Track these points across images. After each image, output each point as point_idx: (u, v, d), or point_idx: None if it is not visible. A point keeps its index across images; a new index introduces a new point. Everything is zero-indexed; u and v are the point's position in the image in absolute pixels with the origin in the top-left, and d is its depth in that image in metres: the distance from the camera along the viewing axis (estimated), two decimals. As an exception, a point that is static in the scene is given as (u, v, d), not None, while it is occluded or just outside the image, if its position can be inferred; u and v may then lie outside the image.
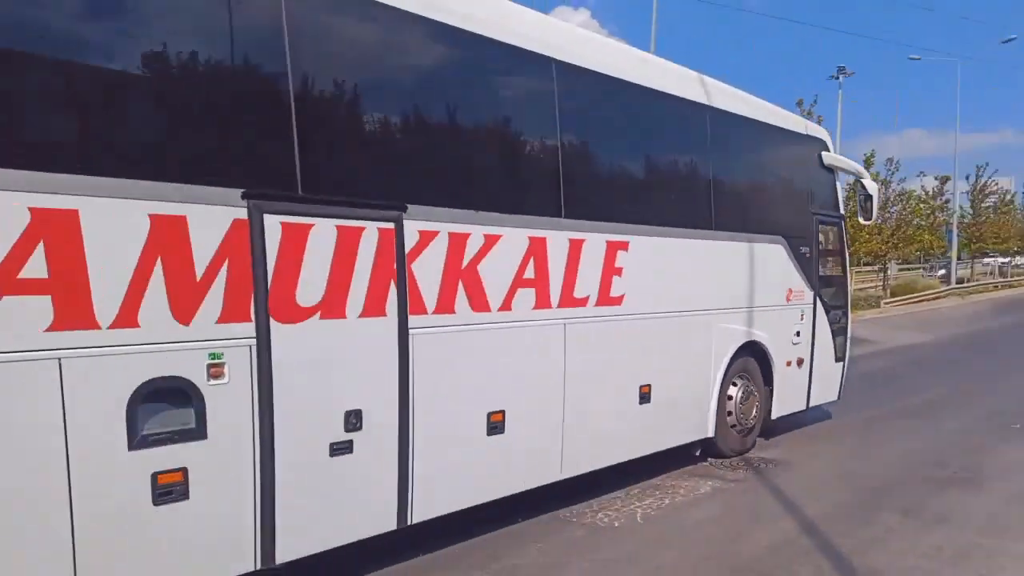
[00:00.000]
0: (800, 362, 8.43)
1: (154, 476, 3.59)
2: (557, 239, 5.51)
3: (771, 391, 8.05)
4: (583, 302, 5.75)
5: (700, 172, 7.02)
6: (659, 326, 6.46)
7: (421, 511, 4.76)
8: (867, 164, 31.49)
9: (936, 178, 38.49)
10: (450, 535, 5.40)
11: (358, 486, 4.44)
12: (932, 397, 11.09)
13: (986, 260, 50.05)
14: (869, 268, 39.24)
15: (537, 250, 5.37)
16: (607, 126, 6.19)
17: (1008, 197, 46.81)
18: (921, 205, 35.40)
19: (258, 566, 4.01)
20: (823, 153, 8.77)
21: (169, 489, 3.63)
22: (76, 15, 3.54)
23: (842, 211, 9.38)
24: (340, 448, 4.29)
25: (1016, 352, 16.96)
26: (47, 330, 3.23)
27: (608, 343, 6.00)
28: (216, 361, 3.75)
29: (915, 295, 30.90)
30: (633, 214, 6.21)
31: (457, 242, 4.85)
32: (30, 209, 3.17)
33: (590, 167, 6.10)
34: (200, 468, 3.73)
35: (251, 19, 4.05)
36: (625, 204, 6.25)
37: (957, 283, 39.10)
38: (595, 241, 5.81)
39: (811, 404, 8.76)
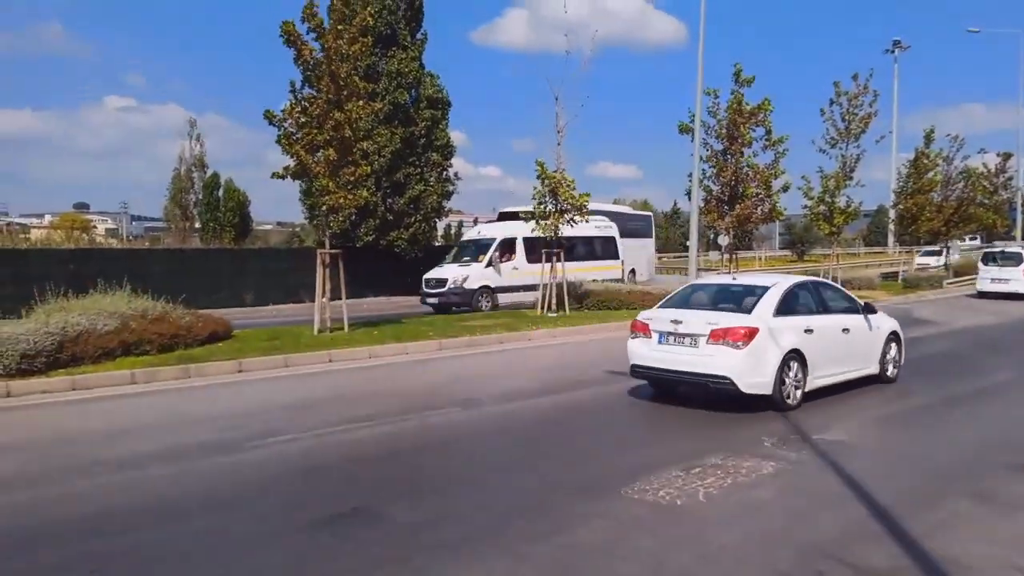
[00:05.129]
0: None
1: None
2: None
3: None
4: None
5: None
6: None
7: None
8: (927, 140, 30.42)
9: (998, 155, 37.02)
10: (517, 506, 5.46)
11: None
12: (1000, 380, 10.78)
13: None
14: (929, 248, 38.05)
15: None
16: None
17: (1075, 174, 44.69)
18: (984, 183, 34.10)
19: None
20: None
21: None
22: None
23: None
24: None
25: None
26: None
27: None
28: None
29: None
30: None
31: None
32: None
33: None
34: None
35: None
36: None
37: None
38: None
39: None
